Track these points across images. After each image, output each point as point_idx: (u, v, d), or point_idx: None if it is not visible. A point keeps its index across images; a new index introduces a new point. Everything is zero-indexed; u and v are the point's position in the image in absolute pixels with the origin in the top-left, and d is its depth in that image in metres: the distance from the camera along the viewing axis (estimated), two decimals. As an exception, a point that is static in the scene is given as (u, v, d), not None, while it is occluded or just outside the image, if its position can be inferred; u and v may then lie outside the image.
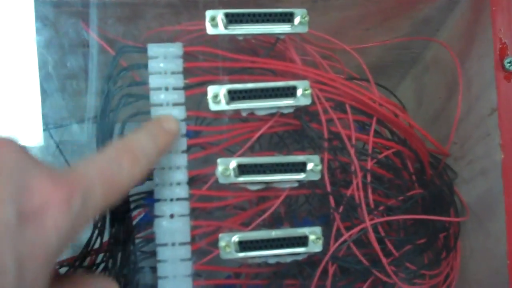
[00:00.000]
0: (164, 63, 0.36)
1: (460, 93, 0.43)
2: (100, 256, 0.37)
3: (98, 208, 0.26)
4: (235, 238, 0.35)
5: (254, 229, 0.37)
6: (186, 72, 0.37)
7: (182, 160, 0.35)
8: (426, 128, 0.44)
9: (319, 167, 0.37)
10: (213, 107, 0.36)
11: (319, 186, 0.39)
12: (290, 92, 0.37)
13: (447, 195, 0.43)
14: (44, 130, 0.40)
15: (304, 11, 0.36)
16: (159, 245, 0.35)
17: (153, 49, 0.36)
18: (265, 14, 0.36)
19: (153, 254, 0.35)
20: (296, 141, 0.40)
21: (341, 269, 0.40)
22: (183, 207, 0.35)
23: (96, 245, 0.37)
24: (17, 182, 0.22)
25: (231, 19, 0.36)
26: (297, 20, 0.36)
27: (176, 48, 0.36)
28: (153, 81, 0.36)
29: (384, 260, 0.38)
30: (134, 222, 0.37)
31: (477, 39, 0.42)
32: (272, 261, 0.36)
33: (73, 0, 0.38)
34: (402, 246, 0.40)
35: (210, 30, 0.36)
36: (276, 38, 0.38)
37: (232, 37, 0.37)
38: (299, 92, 0.37)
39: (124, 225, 0.36)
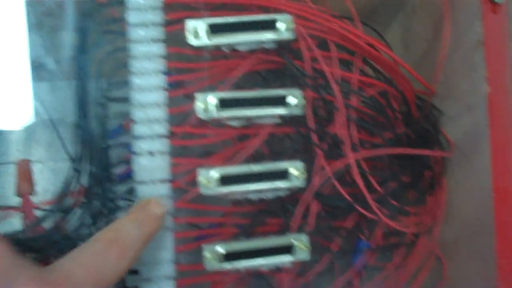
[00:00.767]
0: (143, -1, 0.34)
1: (447, 27, 0.42)
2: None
3: None
4: (215, 173, 0.35)
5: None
6: (166, 8, 0.36)
7: (161, 97, 0.35)
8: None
9: (302, 102, 0.36)
10: (193, 42, 0.35)
11: (302, 124, 0.38)
12: (271, 25, 0.36)
13: (433, 134, 0.43)
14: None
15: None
16: (138, 183, 0.34)
17: (131, -16, 0.34)
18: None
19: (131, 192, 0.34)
20: (278, 80, 0.40)
21: (324, 209, 0.40)
22: (162, 145, 0.35)
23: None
24: None
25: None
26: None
27: (155, -17, 0.35)
28: (132, 17, 0.35)
29: (368, 196, 0.38)
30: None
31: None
32: (253, 196, 0.36)
33: None
34: (387, 184, 0.40)
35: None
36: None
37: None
38: (281, 26, 0.36)
39: (102, 163, 0.35)
